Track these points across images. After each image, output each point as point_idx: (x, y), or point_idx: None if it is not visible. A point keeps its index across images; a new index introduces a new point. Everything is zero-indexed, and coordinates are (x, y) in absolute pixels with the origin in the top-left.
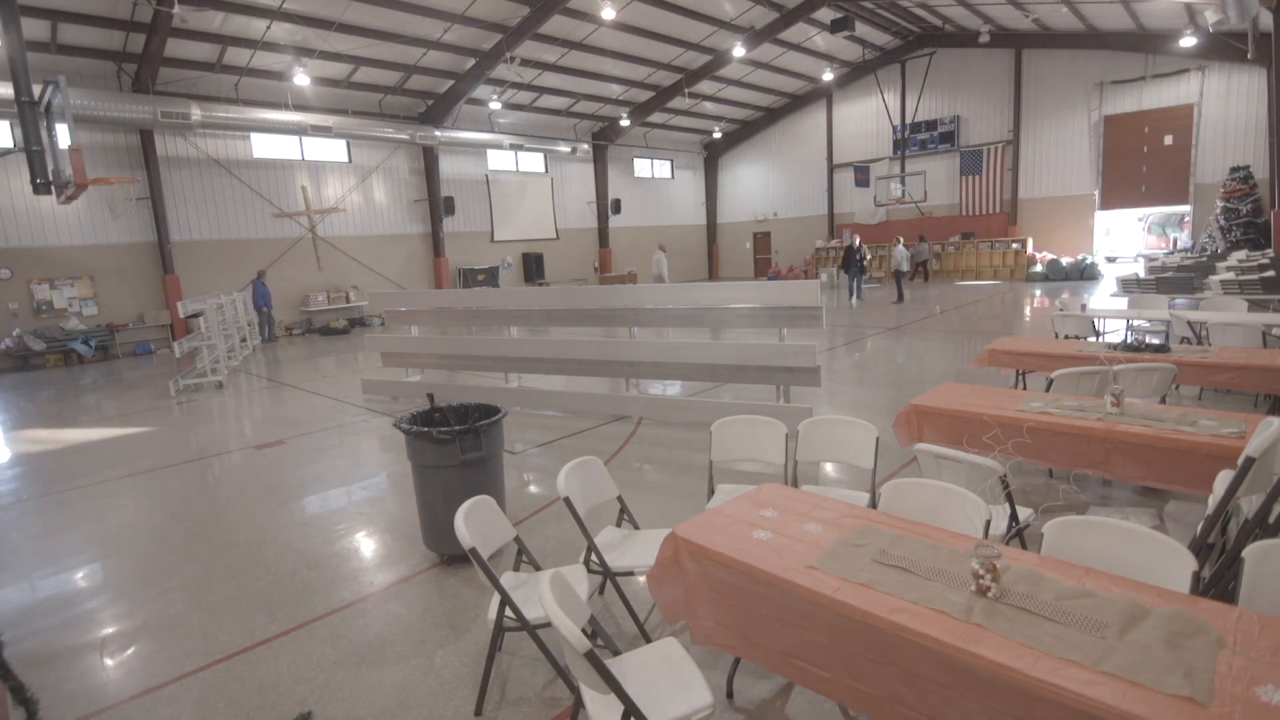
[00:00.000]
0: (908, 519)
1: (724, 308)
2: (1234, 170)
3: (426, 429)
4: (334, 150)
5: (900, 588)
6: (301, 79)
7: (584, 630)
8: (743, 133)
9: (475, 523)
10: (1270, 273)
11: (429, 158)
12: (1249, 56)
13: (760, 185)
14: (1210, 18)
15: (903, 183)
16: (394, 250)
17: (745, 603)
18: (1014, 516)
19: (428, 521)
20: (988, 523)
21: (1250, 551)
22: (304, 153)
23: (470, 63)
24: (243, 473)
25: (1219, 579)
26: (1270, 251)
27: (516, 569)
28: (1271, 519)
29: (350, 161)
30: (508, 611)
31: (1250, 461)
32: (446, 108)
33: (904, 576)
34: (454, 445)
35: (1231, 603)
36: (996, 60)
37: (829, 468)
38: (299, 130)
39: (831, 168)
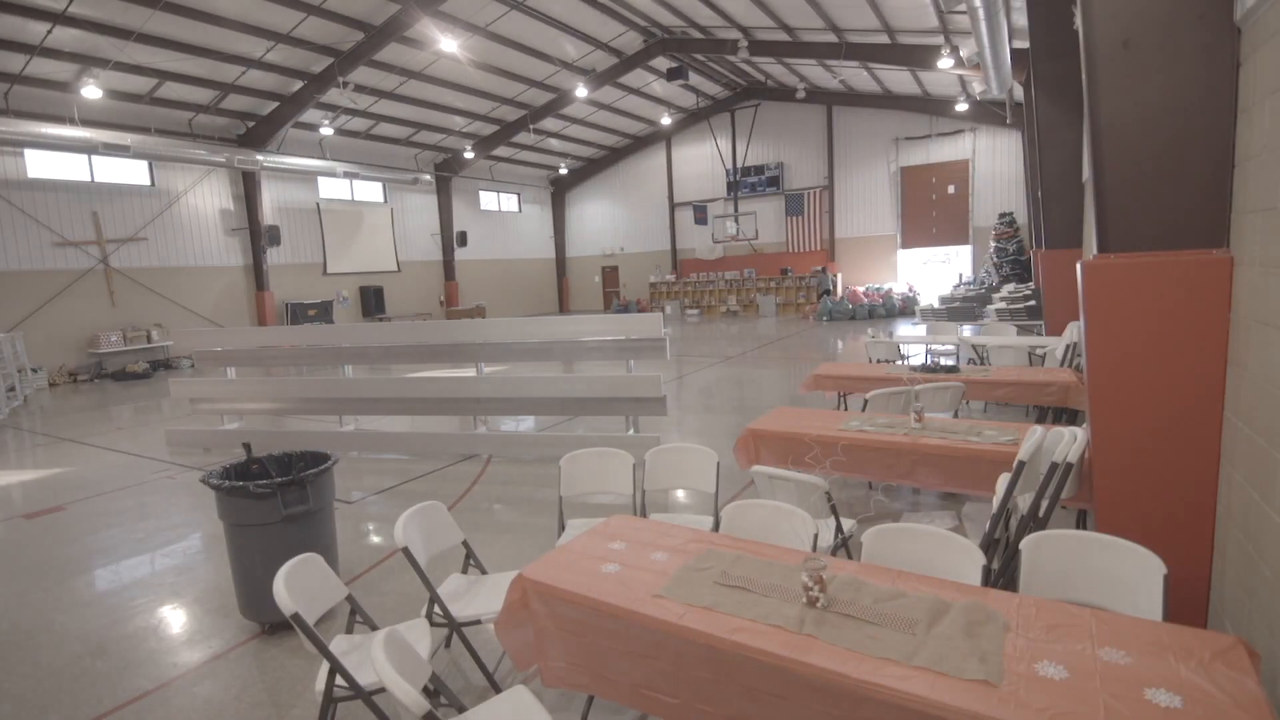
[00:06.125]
0: (747, 539)
1: (572, 341)
2: (1001, 216)
3: (241, 483)
4: (133, 172)
5: (740, 607)
6: (92, 91)
7: (426, 689)
8: (589, 170)
9: (298, 584)
10: (1032, 303)
11: (250, 183)
12: (1007, 121)
13: (607, 220)
14: (977, 88)
15: (736, 221)
16: (207, 283)
17: (595, 639)
18: (839, 528)
19: (244, 587)
20: (815, 536)
21: (1026, 543)
22: (94, 174)
23: (298, 85)
24: (8, 547)
25: (1005, 570)
26: (1031, 285)
27: (350, 631)
28: (1041, 513)
29: (153, 185)
30: (339, 680)
31: (1022, 465)
32: (271, 131)
33: (744, 596)
34: (274, 499)
35: (1014, 590)
36: (812, 114)
37: (680, 494)
38: (88, 148)
39: (673, 206)
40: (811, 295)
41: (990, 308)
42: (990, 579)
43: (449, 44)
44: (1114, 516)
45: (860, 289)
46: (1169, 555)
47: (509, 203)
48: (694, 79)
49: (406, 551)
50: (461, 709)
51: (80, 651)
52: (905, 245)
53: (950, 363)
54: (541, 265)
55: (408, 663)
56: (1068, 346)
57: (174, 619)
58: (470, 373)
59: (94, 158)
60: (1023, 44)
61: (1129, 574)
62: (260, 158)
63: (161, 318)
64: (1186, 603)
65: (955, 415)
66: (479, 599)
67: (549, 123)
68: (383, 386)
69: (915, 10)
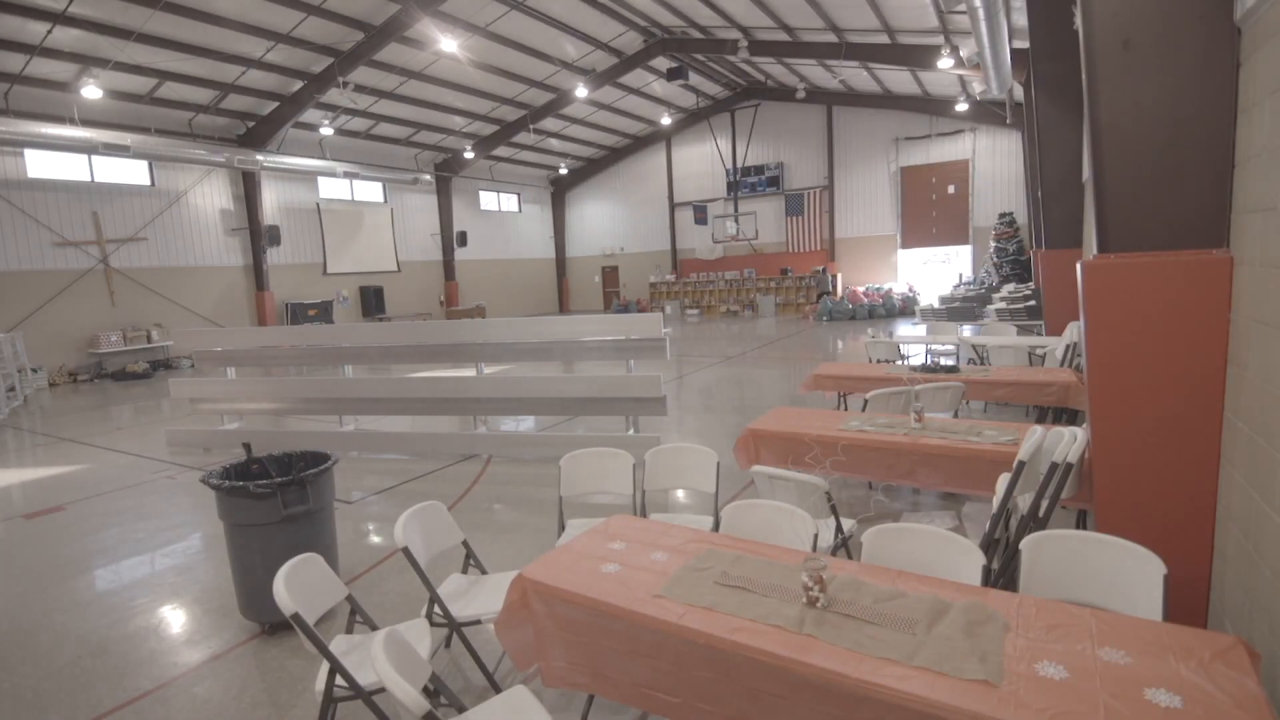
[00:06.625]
0: (747, 539)
1: (572, 341)
2: (1001, 216)
3: (241, 483)
4: (133, 172)
5: (740, 607)
6: (92, 91)
7: (426, 689)
8: (589, 170)
9: (298, 584)
10: (1032, 302)
11: (250, 183)
12: (1007, 121)
13: (607, 220)
14: (977, 88)
15: (736, 221)
16: (207, 284)
17: (595, 638)
18: (839, 528)
19: (244, 587)
20: (815, 536)
21: (1026, 543)
22: (94, 174)
23: (298, 85)
24: (7, 547)
25: (1005, 570)
26: (1031, 285)
27: (350, 631)
28: (1041, 513)
29: (153, 185)
30: (339, 680)
31: (1022, 465)
32: (271, 131)
33: (744, 596)
34: (274, 499)
35: (1014, 590)
36: (812, 114)
37: (680, 494)
38: (88, 148)
39: (673, 206)
40: (812, 295)
41: (990, 308)
42: (990, 579)
43: (449, 44)
44: (1114, 516)
45: (860, 289)
46: (1169, 555)
47: (509, 203)
48: (694, 79)
49: (406, 551)
50: (461, 709)
51: (80, 651)
52: (905, 245)
53: (950, 363)
54: (541, 265)
55: (408, 663)
56: (1068, 346)
57: (174, 619)
58: (470, 373)
59: (94, 158)
60: (1023, 44)
61: (1129, 574)
62: (260, 158)
63: (161, 318)
64: (1186, 603)
65: (955, 415)
66: (479, 599)
67: (549, 123)
68: (383, 386)
69: (915, 10)
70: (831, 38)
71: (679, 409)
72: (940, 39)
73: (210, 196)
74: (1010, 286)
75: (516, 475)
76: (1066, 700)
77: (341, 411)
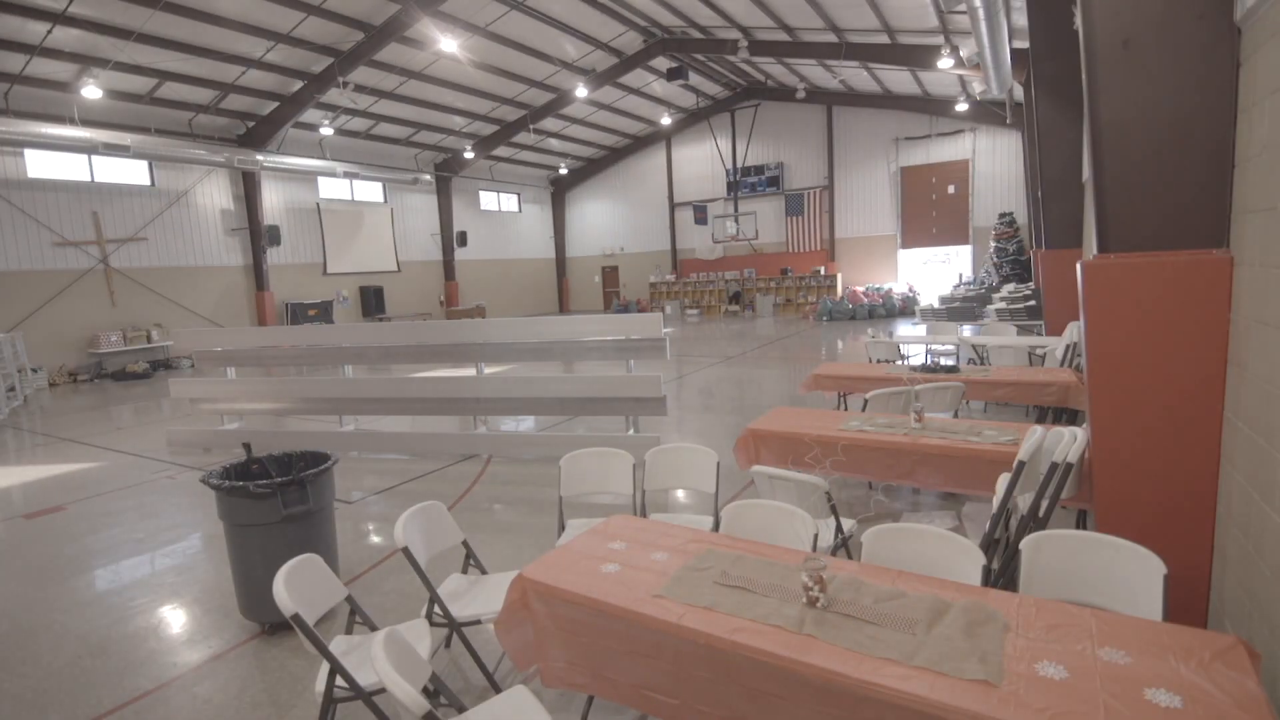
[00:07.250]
0: (747, 539)
1: (572, 341)
2: (1001, 216)
3: (241, 483)
4: (133, 172)
5: (740, 607)
6: (92, 91)
7: (426, 689)
8: (589, 170)
9: (298, 585)
10: (1032, 302)
11: (250, 183)
12: (1007, 121)
13: (607, 220)
14: (977, 88)
15: (736, 221)
16: (207, 284)
17: (595, 639)
18: (839, 528)
19: (244, 587)
20: (815, 536)
21: (1026, 543)
22: (94, 174)
23: (298, 85)
24: (7, 547)
25: (1005, 570)
26: (1031, 285)
27: (349, 631)
28: (1041, 513)
29: (153, 185)
30: (339, 680)
31: (1022, 465)
32: (271, 131)
33: (744, 596)
34: (274, 499)
35: (1014, 590)
36: (812, 114)
37: (680, 494)
38: (88, 148)
39: (673, 206)
40: (813, 295)
41: (990, 308)
42: (990, 579)
43: (449, 44)
44: (1114, 516)
45: (860, 289)
46: (1169, 555)
47: (509, 203)
48: (694, 79)
49: (406, 551)
50: (461, 709)
51: (80, 651)
52: (905, 245)
53: (950, 363)
54: (541, 265)
55: (408, 663)
56: (1068, 346)
57: (174, 619)
58: (470, 373)
59: (94, 158)
60: (1023, 44)
61: (1129, 574)
62: (260, 158)
63: (161, 318)
64: (1186, 603)
65: (955, 415)
66: (479, 599)
67: (549, 123)
68: (383, 386)
69: (915, 10)
70: (831, 38)
71: (679, 409)
72: (940, 39)
73: (210, 196)
74: (1010, 286)
75: (516, 475)
76: (1066, 700)
77: (341, 411)
